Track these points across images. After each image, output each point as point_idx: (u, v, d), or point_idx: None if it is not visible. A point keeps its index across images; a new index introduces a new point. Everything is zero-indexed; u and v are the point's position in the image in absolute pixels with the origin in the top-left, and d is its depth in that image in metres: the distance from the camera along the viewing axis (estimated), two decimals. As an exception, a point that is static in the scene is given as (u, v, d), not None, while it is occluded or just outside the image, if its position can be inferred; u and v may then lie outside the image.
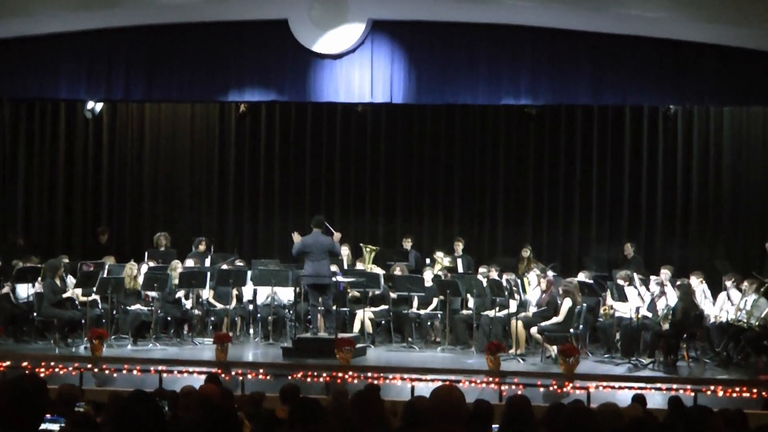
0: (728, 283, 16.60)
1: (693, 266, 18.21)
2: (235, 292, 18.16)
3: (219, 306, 18.07)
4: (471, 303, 17.46)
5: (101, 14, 17.67)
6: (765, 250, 18.16)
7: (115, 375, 14.94)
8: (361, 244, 19.28)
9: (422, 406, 6.28)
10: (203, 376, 12.89)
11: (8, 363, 15.06)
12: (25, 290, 17.53)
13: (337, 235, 16.88)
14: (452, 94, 17.37)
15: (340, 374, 14.64)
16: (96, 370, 15.01)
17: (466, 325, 17.53)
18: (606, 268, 19.07)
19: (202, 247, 19.53)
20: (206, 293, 18.03)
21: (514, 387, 14.21)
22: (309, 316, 17.35)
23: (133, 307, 17.39)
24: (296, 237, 16.86)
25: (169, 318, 17.68)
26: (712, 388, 14.09)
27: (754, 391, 13.93)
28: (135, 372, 14.87)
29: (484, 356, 15.19)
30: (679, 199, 20.43)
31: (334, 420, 6.56)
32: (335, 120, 21.62)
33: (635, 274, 17.12)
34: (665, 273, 17.00)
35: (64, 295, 17.04)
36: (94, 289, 17.03)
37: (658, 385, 14.29)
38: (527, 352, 16.54)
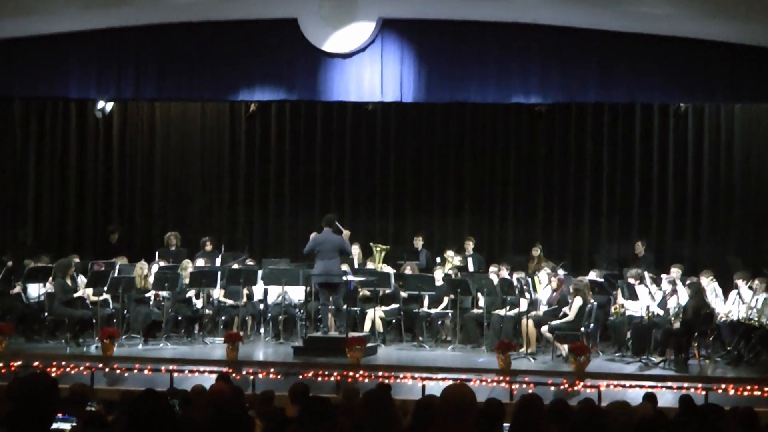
0: (739, 282, 16.56)
1: (704, 264, 18.19)
2: (245, 291, 18.17)
3: (230, 302, 18.09)
4: (482, 302, 17.45)
5: (111, 13, 17.69)
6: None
7: (126, 374, 14.98)
8: (372, 243, 19.26)
9: (433, 404, 6.28)
10: (214, 375, 12.92)
11: (20, 362, 15.09)
12: (36, 290, 17.60)
13: (346, 233, 16.87)
14: (462, 92, 17.35)
15: (350, 373, 14.65)
16: (107, 369, 15.05)
17: (477, 324, 17.52)
18: (617, 267, 19.05)
19: (208, 247, 19.55)
20: (217, 292, 18.06)
21: (524, 386, 14.21)
22: (320, 315, 17.36)
23: (147, 294, 17.46)
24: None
25: (179, 317, 17.72)
26: (723, 386, 14.07)
27: (765, 389, 13.90)
28: (146, 371, 14.91)
29: (495, 355, 15.20)
30: (689, 197, 20.37)
31: (344, 419, 6.57)
32: (345, 119, 21.59)
33: (646, 273, 17.10)
34: (676, 271, 16.99)
35: (75, 295, 17.11)
36: (105, 288, 17.07)
37: (669, 383, 14.27)
38: (538, 351, 16.53)
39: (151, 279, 17.57)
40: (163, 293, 17.44)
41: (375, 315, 17.54)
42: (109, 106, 20.85)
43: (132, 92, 18.21)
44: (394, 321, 18.15)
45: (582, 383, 14.22)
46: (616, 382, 14.29)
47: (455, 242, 20.24)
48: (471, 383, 13.14)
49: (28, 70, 18.18)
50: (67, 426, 7.76)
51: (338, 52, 17.19)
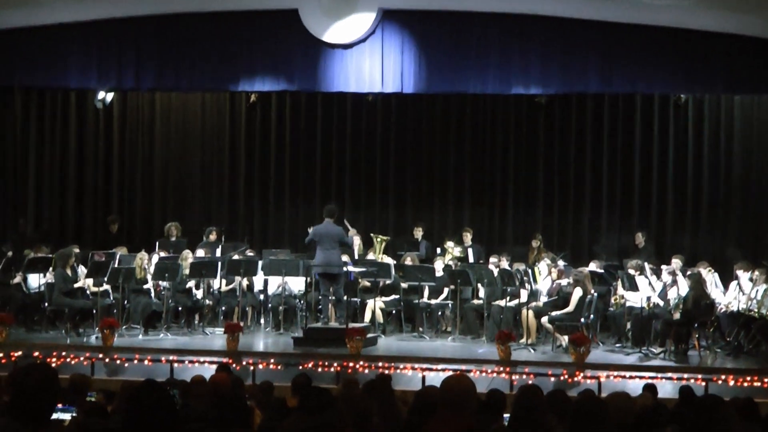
0: (740, 272, 16.57)
1: (704, 255, 18.20)
2: (245, 281, 18.17)
3: (229, 287, 18.11)
4: (482, 292, 17.45)
5: (112, 3, 17.70)
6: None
7: (126, 364, 14.98)
8: (372, 234, 19.27)
9: (433, 395, 6.29)
10: (214, 366, 12.93)
11: (20, 352, 15.10)
12: (36, 280, 17.60)
13: (352, 231, 16.91)
14: (462, 83, 17.36)
15: (350, 364, 14.65)
16: (107, 359, 15.05)
17: (477, 315, 17.52)
18: (617, 258, 19.05)
19: (212, 237, 19.54)
20: (217, 283, 18.06)
21: (524, 376, 14.22)
22: (320, 306, 17.37)
23: (146, 286, 17.46)
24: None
25: (179, 307, 17.72)
26: (723, 377, 14.07)
27: (765, 380, 13.90)
28: (146, 361, 14.91)
29: (495, 345, 15.19)
30: (689, 188, 20.35)
31: (344, 409, 6.57)
32: (345, 110, 21.57)
33: (646, 264, 17.09)
34: (676, 262, 16.98)
35: (75, 285, 17.11)
36: (105, 278, 17.07)
37: (669, 374, 14.28)
38: (538, 342, 16.54)
39: (151, 269, 17.57)
40: (163, 283, 17.44)
41: (375, 306, 17.55)
42: (110, 96, 20.84)
43: (132, 82, 18.23)
44: (394, 312, 18.16)
45: (582, 374, 14.24)
46: (616, 373, 14.30)
47: (455, 233, 20.23)
48: (471, 374, 13.17)
49: (28, 61, 18.18)
50: (67, 416, 7.76)
51: (338, 43, 17.20)
